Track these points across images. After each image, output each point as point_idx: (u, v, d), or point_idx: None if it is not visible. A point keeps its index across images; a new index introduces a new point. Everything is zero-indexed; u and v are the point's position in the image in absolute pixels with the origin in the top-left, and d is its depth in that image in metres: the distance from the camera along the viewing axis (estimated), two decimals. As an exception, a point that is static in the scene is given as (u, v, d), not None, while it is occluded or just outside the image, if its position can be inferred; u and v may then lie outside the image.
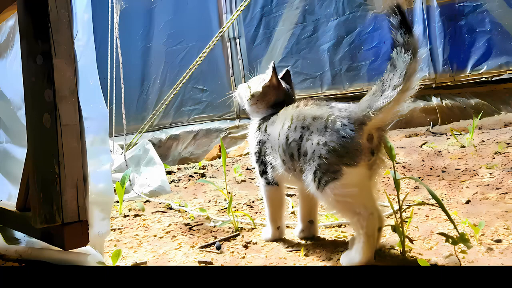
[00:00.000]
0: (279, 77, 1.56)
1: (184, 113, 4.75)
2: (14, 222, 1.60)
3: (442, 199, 1.84)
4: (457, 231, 1.20)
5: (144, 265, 1.39)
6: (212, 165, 3.51)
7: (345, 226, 1.62)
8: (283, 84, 1.54)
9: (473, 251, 1.24)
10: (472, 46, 4.38)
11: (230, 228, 1.73)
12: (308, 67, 4.55)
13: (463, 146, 2.90)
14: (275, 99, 1.51)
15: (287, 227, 1.65)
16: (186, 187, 2.75)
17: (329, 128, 1.19)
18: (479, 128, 3.68)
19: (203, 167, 3.44)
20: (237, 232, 1.64)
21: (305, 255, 1.35)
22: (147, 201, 2.43)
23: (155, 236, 1.69)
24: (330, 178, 1.18)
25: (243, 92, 1.58)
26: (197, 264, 1.36)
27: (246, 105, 1.58)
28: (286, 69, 1.62)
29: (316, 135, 1.21)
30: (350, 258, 1.21)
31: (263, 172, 1.47)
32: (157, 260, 1.42)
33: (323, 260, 1.30)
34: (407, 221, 1.39)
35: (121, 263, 1.40)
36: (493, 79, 4.32)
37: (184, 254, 1.46)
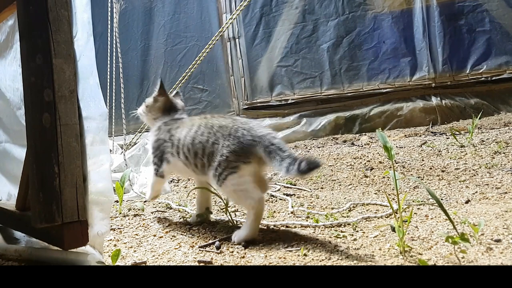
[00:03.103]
0: (171, 96, 1.98)
1: (184, 112, 4.74)
2: (14, 222, 1.60)
3: (441, 199, 1.84)
4: (456, 231, 1.20)
5: (144, 264, 1.39)
6: (211, 164, 3.50)
7: (344, 225, 1.62)
8: (170, 96, 1.95)
9: (473, 251, 1.24)
10: (472, 45, 4.38)
11: (230, 227, 1.73)
12: (307, 66, 4.55)
13: (462, 146, 2.90)
14: (163, 105, 1.92)
15: (287, 226, 1.65)
16: (185, 187, 2.75)
17: (232, 135, 1.51)
18: (479, 128, 3.68)
19: (203, 167, 3.43)
20: (237, 232, 1.64)
21: (305, 254, 1.35)
22: (147, 200, 2.42)
23: (154, 235, 1.69)
24: (229, 173, 1.49)
25: (142, 108, 1.98)
26: (197, 264, 1.36)
27: (145, 116, 1.96)
28: (176, 91, 2.06)
29: (221, 140, 1.53)
30: (240, 234, 1.51)
31: (156, 165, 1.80)
32: (157, 260, 1.42)
33: (322, 260, 1.30)
34: (406, 221, 1.40)
35: (120, 262, 1.40)
36: (492, 78, 4.33)
37: (183, 253, 1.46)
